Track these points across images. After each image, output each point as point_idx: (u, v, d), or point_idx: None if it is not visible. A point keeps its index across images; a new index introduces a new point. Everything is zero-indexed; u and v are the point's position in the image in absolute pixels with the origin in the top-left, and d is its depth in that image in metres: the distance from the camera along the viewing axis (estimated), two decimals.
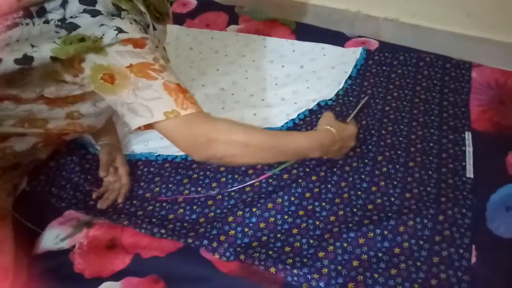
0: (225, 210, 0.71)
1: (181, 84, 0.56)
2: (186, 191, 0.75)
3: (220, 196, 0.73)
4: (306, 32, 1.06)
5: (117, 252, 0.67)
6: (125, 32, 0.53)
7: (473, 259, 0.60)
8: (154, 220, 0.70)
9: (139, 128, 0.56)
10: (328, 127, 0.65)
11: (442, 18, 0.90)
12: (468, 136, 0.76)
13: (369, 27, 1.01)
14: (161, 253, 0.66)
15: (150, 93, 0.53)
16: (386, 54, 0.95)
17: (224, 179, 0.75)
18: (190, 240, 0.66)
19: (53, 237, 0.69)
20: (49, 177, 0.78)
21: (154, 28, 0.63)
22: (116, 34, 0.52)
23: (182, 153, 0.79)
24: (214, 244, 0.65)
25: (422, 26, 0.94)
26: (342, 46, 1.00)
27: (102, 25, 0.52)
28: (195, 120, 0.55)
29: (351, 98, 0.88)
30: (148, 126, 0.55)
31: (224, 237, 0.67)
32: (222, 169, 0.77)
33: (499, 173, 0.70)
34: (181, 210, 0.72)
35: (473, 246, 0.61)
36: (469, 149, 0.74)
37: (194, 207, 0.72)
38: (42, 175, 0.78)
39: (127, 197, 0.75)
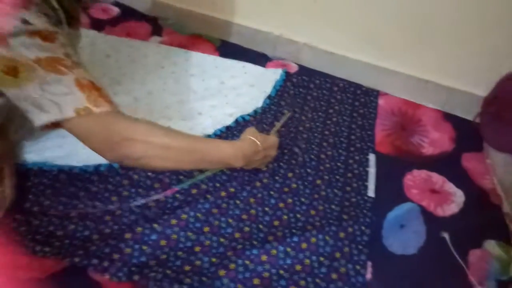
0: (123, 227, 0.65)
1: (95, 82, 0.52)
2: (81, 205, 0.68)
3: (119, 212, 0.67)
4: (230, 50, 1.06)
5: None
6: (32, 24, 0.48)
7: (368, 276, 0.62)
8: (38, 236, 0.62)
9: (46, 126, 0.51)
10: (251, 137, 0.66)
11: (356, 48, 0.96)
12: (371, 157, 0.80)
13: (290, 51, 1.05)
14: (41, 274, 0.58)
15: (59, 88, 0.49)
16: (304, 77, 0.99)
17: (126, 193, 0.70)
18: (77, 259, 0.59)
19: None
20: None
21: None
22: (22, 25, 0.47)
23: (80, 164, 0.73)
24: (105, 264, 0.59)
25: (338, 54, 0.99)
26: (263, 66, 1.02)
27: (7, 14, 0.47)
28: (110, 118, 0.52)
29: (268, 116, 0.88)
30: (56, 125, 0.51)
31: (118, 256, 0.61)
32: (125, 182, 0.71)
33: (397, 193, 0.74)
34: (73, 226, 0.65)
35: (369, 263, 0.63)
36: (372, 170, 0.78)
37: (88, 223, 0.66)
38: None
39: (8, 211, 0.65)
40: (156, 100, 0.90)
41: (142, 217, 0.67)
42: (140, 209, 0.68)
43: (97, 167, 0.73)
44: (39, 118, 0.50)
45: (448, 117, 0.90)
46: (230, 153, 0.62)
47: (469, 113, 0.86)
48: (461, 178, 0.76)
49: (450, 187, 0.75)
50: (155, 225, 0.65)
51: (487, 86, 0.80)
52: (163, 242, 0.64)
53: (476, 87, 0.86)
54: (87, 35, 1.03)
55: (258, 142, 0.66)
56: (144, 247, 0.63)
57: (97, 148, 0.54)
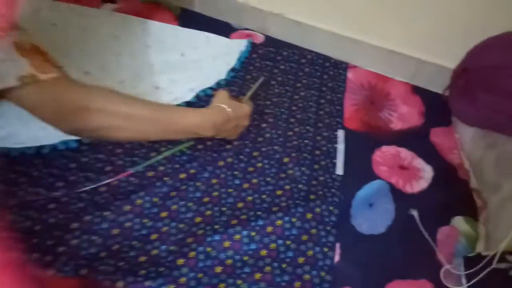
0: (70, 215, 0.59)
1: (40, 46, 0.46)
2: (21, 193, 0.60)
3: (66, 198, 0.61)
4: (190, 20, 0.98)
5: None
6: None
7: (337, 258, 0.59)
8: None
9: None
10: (222, 105, 0.62)
11: (325, 18, 0.91)
12: (340, 133, 0.77)
13: (256, 20, 0.98)
14: None
15: None
16: (271, 49, 0.93)
17: (73, 177, 0.63)
18: (13, 254, 0.52)
19: None
20: None
21: None
22: None
23: (19, 145, 0.65)
24: (48, 258, 0.53)
25: (306, 24, 0.94)
26: (227, 37, 0.95)
27: None
28: (60, 85, 0.48)
29: (233, 89, 0.82)
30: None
31: (64, 248, 0.55)
32: (71, 166, 0.64)
33: (365, 170, 0.71)
34: (12, 217, 0.58)
35: (337, 245, 0.61)
36: (340, 147, 0.74)
37: (30, 213, 0.59)
38: None
39: None
40: (109, 74, 0.82)
41: (92, 204, 0.60)
42: (89, 195, 0.61)
43: (39, 149, 0.65)
44: None
45: (417, 91, 0.87)
46: (198, 121, 0.59)
47: (439, 86, 0.84)
48: (429, 153, 0.74)
49: (419, 163, 0.73)
50: (106, 213, 0.59)
51: (456, 58, 0.77)
52: (115, 231, 0.58)
53: (445, 59, 0.83)
54: (29, 1, 0.92)
55: (230, 109, 0.62)
56: (94, 238, 0.57)
57: (49, 119, 0.49)
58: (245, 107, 0.67)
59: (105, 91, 0.51)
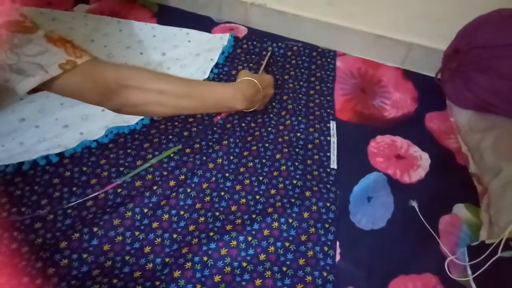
0: (57, 234, 0.56)
1: (62, 35, 0.49)
2: (5, 213, 0.57)
3: (52, 216, 0.58)
4: (169, 16, 0.95)
5: None
6: None
7: (337, 257, 0.57)
8: None
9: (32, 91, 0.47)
10: (248, 78, 0.65)
11: (306, 5, 0.88)
12: (333, 125, 0.75)
13: (237, 12, 0.94)
14: None
15: (33, 48, 0.45)
16: (255, 43, 0.90)
17: (58, 193, 0.60)
18: (2, 280, 0.50)
19: None
20: None
21: None
22: None
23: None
24: (38, 282, 0.50)
25: (289, 13, 0.90)
26: (209, 32, 0.92)
27: None
28: (96, 67, 0.50)
29: None
30: (36, 90, 0.47)
31: (54, 270, 0.52)
32: (55, 181, 0.61)
33: (362, 163, 0.69)
34: None
35: (337, 243, 0.59)
36: (333, 139, 0.72)
37: (15, 234, 0.56)
38: None
39: None
40: None
41: (79, 220, 0.58)
42: (75, 211, 0.58)
43: (18, 167, 0.62)
44: (25, 84, 0.46)
45: (409, 75, 0.85)
46: (230, 94, 0.61)
47: (431, 70, 0.82)
48: (426, 140, 0.72)
49: (415, 150, 0.71)
50: (95, 229, 0.56)
51: (447, 39, 0.75)
52: (106, 247, 0.55)
53: (435, 41, 0.81)
54: None
55: (256, 81, 0.65)
56: (84, 255, 0.54)
57: (97, 101, 0.52)
58: (268, 77, 0.71)
59: (135, 68, 0.54)
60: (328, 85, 0.83)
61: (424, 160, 0.69)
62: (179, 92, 0.56)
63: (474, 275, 0.51)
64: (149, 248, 0.57)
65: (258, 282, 0.54)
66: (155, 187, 0.61)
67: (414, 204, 0.62)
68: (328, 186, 0.65)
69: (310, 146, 0.71)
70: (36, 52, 0.46)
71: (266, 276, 0.55)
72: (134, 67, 0.54)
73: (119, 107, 0.53)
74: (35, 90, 0.48)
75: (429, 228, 0.59)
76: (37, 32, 0.46)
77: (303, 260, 0.57)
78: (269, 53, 0.85)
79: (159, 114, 0.65)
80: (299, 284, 0.55)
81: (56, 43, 0.47)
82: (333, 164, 0.69)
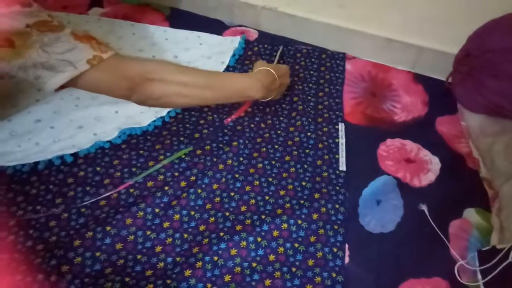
0: (71, 232, 0.57)
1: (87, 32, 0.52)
2: (21, 212, 0.59)
3: (66, 215, 0.59)
4: (181, 19, 0.96)
5: None
6: None
7: (346, 259, 0.58)
8: None
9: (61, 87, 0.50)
10: (265, 68, 0.66)
11: (317, 8, 0.88)
12: (341, 127, 0.75)
13: (248, 16, 0.95)
14: None
15: (61, 46, 0.48)
16: (266, 45, 0.91)
17: (72, 192, 0.62)
18: (18, 277, 0.51)
19: None
20: None
21: None
22: None
23: (14, 163, 0.63)
24: (53, 279, 0.51)
25: (299, 16, 0.91)
26: (220, 35, 0.93)
27: None
28: (121, 62, 0.53)
29: None
30: (69, 83, 0.50)
31: (68, 267, 0.53)
32: (69, 180, 0.63)
33: (371, 166, 0.69)
34: (12, 237, 0.56)
35: (346, 245, 0.59)
36: (342, 141, 0.72)
37: (31, 231, 0.57)
38: None
39: None
40: None
41: (93, 219, 0.59)
42: (89, 210, 0.60)
43: (34, 166, 0.64)
44: (56, 80, 0.49)
45: (419, 79, 0.85)
46: (248, 83, 0.62)
47: (441, 73, 0.82)
48: (436, 144, 0.72)
49: (426, 154, 0.71)
50: (108, 227, 0.57)
51: (457, 42, 0.75)
52: (118, 246, 0.57)
53: (446, 45, 0.81)
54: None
55: (272, 71, 0.66)
56: (97, 254, 0.55)
57: (122, 95, 0.54)
58: (284, 66, 0.72)
59: (157, 61, 0.56)
60: (337, 87, 0.83)
61: (434, 164, 0.69)
62: (200, 83, 0.58)
63: (485, 280, 0.51)
64: (160, 247, 0.58)
65: (267, 282, 0.55)
66: (166, 188, 0.62)
67: (424, 208, 0.62)
68: (337, 188, 0.66)
69: (319, 147, 0.72)
70: (65, 49, 0.48)
71: (276, 276, 0.56)
72: (156, 60, 0.57)
73: (145, 100, 0.56)
74: (62, 87, 0.50)
75: (439, 232, 0.59)
76: (64, 31, 0.49)
77: (312, 261, 0.57)
78: (280, 49, 0.88)
79: (182, 105, 0.67)
80: (308, 285, 0.55)
81: (82, 39, 0.50)
82: (342, 166, 0.69)
